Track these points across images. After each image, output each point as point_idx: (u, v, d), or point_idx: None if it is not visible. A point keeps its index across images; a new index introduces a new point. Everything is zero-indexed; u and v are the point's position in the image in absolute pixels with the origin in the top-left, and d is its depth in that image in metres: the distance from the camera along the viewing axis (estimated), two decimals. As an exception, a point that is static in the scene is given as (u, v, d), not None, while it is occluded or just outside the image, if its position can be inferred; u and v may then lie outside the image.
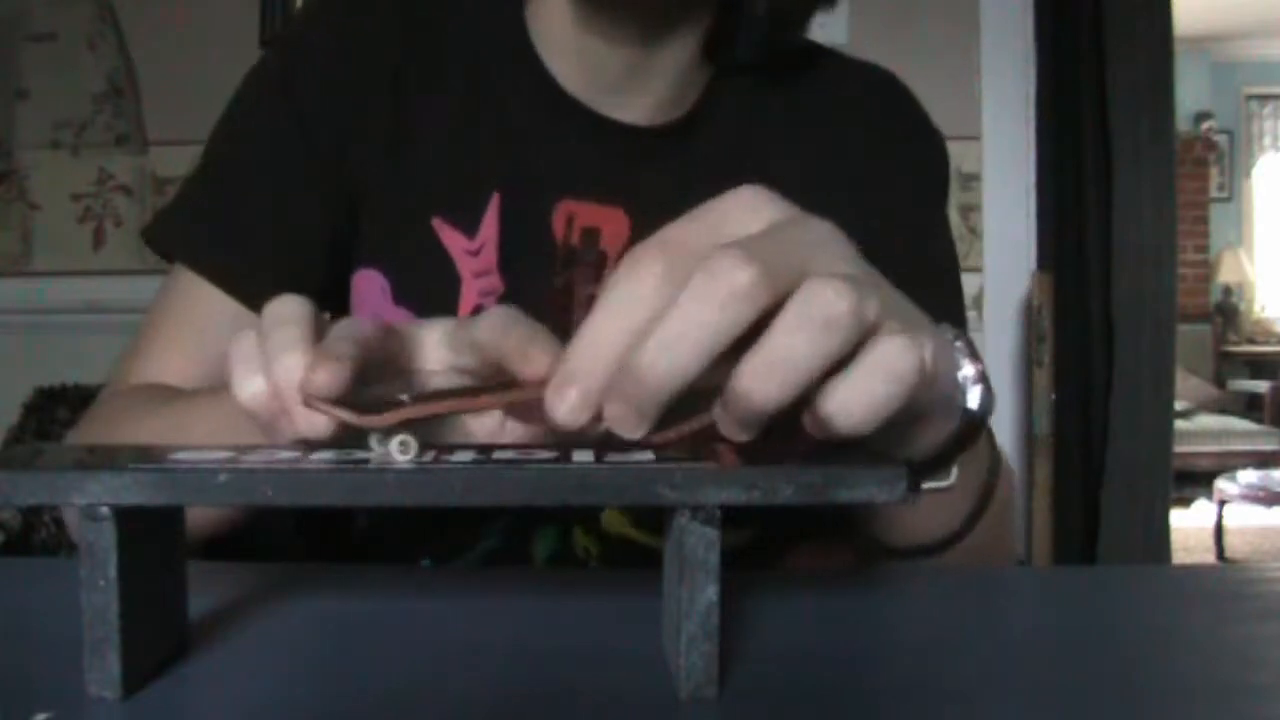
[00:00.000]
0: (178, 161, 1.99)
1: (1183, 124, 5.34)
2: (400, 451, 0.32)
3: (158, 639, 0.32)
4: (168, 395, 0.60)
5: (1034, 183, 2.06)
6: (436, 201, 0.63)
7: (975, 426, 0.45)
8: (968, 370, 0.45)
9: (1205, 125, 6.06)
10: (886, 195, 0.70)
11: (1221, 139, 6.22)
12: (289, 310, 0.37)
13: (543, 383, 0.33)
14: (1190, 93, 5.62)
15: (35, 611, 0.40)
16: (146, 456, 0.32)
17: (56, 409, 1.71)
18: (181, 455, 0.32)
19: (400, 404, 0.34)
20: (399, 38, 0.64)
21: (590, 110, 0.65)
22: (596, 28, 0.63)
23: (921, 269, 0.70)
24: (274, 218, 0.63)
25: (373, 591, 0.44)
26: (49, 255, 2.04)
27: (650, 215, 0.64)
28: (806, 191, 0.69)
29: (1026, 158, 2.05)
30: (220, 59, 2.13)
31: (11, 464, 0.30)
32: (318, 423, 0.35)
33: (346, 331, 0.37)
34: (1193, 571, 0.55)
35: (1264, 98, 6.36)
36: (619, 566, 0.65)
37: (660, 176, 0.65)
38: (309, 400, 0.34)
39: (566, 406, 0.32)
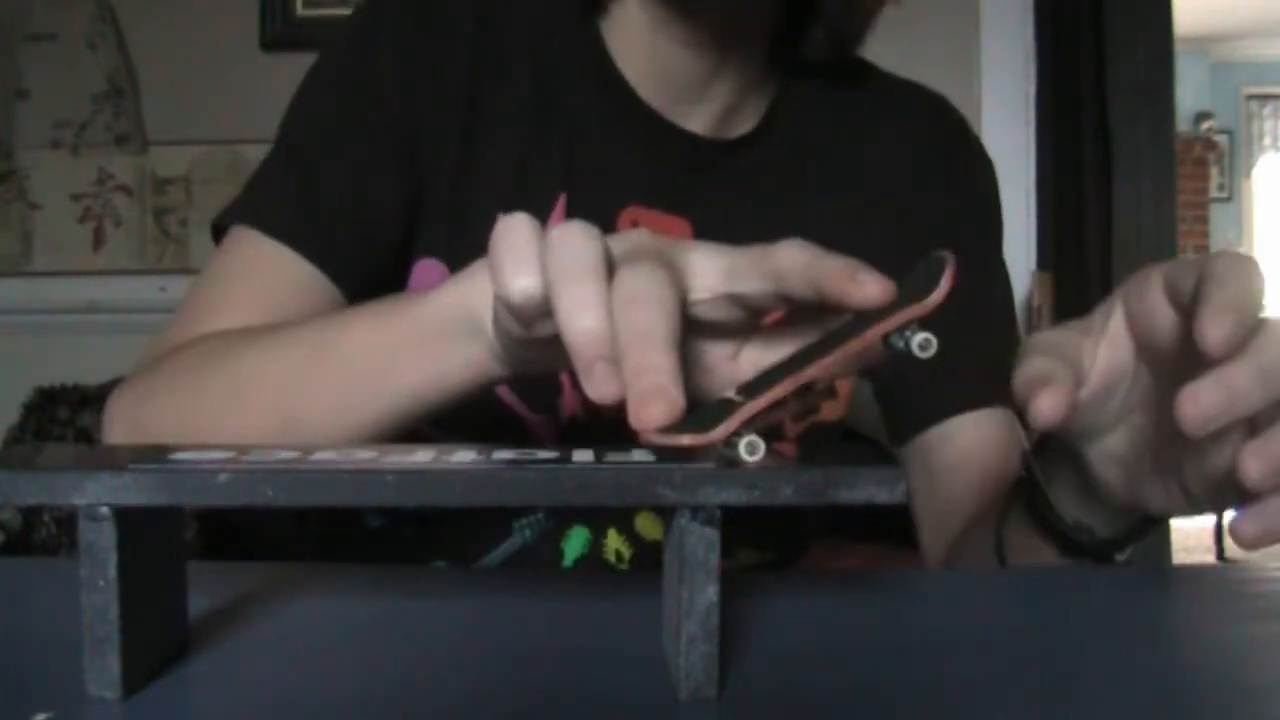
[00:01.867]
0: (178, 161, 2.00)
1: (1183, 124, 5.34)
2: (748, 453, 0.30)
3: (158, 639, 0.32)
4: (278, 326, 0.53)
5: (1034, 183, 2.06)
6: (503, 198, 0.62)
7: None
8: None
9: (1205, 125, 6.06)
10: (938, 219, 0.71)
11: (1221, 139, 6.22)
12: (582, 258, 0.34)
13: (885, 311, 0.32)
14: (1190, 93, 5.62)
15: (35, 611, 0.40)
16: (147, 456, 0.32)
17: (56, 409, 1.71)
18: (182, 455, 0.32)
19: (730, 402, 0.31)
20: (471, 32, 0.64)
21: (660, 118, 0.65)
22: (674, 33, 0.64)
23: (973, 304, 0.70)
24: (352, 185, 0.62)
25: (373, 592, 0.44)
26: (49, 255, 2.04)
27: (713, 227, 0.64)
28: (864, 208, 0.69)
29: (1026, 158, 2.05)
30: (220, 59, 2.14)
31: (11, 464, 0.30)
32: (612, 392, 0.32)
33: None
34: (1193, 571, 0.55)
35: (1264, 98, 6.36)
36: (650, 571, 0.65)
37: (724, 189, 0.66)
38: (643, 434, 0.31)
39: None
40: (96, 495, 0.29)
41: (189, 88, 1.96)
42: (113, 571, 0.29)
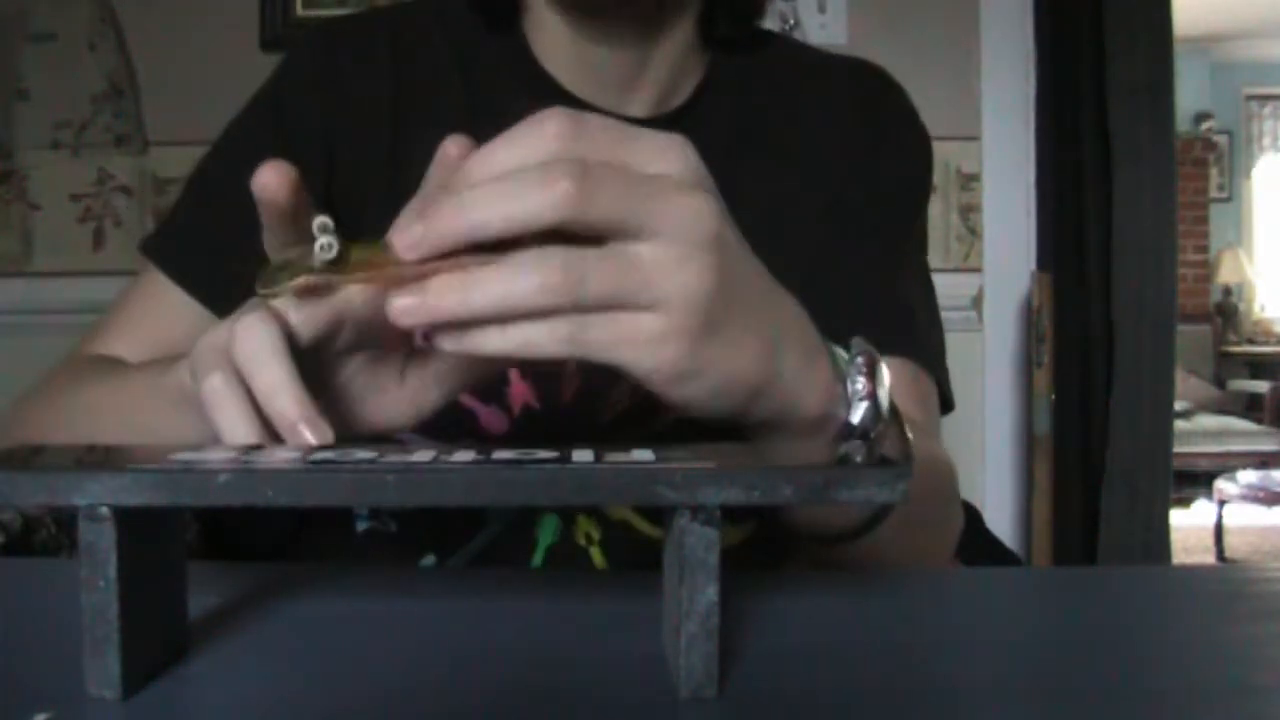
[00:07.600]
0: (178, 161, 1.99)
1: (1183, 124, 5.33)
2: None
3: (158, 639, 0.32)
4: (123, 370, 0.63)
5: (1034, 183, 2.06)
6: None
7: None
8: (857, 385, 0.47)
9: (1205, 125, 6.06)
10: (867, 182, 0.72)
11: (1221, 139, 6.22)
12: (264, 345, 0.39)
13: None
14: (1190, 93, 5.62)
15: (35, 611, 0.40)
16: (147, 457, 0.32)
17: (56, 409, 1.71)
18: (182, 455, 0.32)
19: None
20: (391, 66, 0.67)
21: (592, 106, 0.67)
22: (592, 35, 0.66)
23: (891, 279, 0.72)
24: (250, 233, 0.66)
25: (373, 592, 0.44)
26: (49, 255, 2.04)
27: None
28: (797, 179, 0.71)
29: (1026, 158, 2.04)
30: (220, 59, 2.14)
31: (11, 464, 0.30)
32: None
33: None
34: (1193, 571, 0.55)
35: (1264, 98, 6.36)
36: (619, 553, 0.66)
37: None
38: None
39: (409, 236, 0.35)
40: (96, 495, 0.29)
41: (189, 88, 1.96)
42: (113, 571, 0.29)
